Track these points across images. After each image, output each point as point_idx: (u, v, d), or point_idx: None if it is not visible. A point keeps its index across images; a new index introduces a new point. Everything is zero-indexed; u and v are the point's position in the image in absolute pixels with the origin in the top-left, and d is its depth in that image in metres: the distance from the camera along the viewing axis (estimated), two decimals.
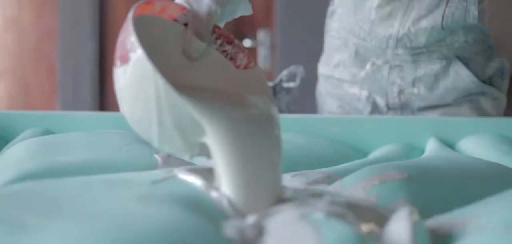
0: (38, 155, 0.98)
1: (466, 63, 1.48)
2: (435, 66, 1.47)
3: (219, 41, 0.90)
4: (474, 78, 1.47)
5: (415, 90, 1.49)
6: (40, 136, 1.17)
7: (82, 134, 1.16)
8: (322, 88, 1.64)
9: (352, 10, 1.51)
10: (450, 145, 1.28)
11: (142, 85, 0.72)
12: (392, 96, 1.51)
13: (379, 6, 1.45)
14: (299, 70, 1.54)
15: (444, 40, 1.46)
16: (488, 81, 1.51)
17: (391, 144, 1.27)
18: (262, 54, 3.12)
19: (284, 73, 1.50)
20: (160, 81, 0.71)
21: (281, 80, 1.48)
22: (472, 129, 1.30)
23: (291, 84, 1.53)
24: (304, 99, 1.84)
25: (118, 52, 0.76)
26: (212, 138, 0.73)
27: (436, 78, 1.48)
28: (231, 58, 0.89)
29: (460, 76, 1.47)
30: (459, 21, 1.42)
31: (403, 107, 1.51)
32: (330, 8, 1.64)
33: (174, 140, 0.75)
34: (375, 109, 1.54)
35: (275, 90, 1.46)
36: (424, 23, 1.42)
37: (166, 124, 0.73)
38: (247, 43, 3.10)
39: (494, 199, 0.80)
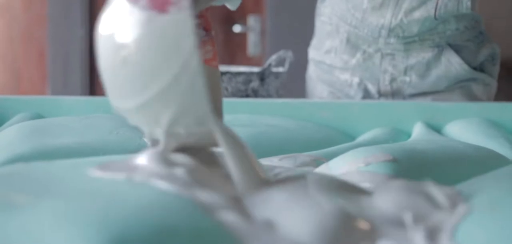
0: (29, 138, 0.99)
1: (457, 50, 1.49)
2: (427, 54, 1.48)
3: (197, 21, 0.84)
4: (465, 66, 1.48)
5: (407, 78, 1.50)
6: (31, 120, 1.17)
7: (72, 118, 1.17)
8: (313, 73, 1.65)
9: None
10: (437, 129, 1.29)
11: (167, 49, 0.63)
12: (384, 84, 1.52)
13: None
14: (288, 54, 1.55)
15: (436, 29, 1.47)
16: (479, 67, 1.53)
17: (378, 128, 1.28)
18: (252, 39, 3.13)
19: (273, 57, 1.51)
20: (195, 63, 0.62)
21: (270, 65, 1.49)
22: (459, 114, 1.31)
23: (280, 69, 1.54)
24: (293, 84, 1.85)
25: None
26: (217, 133, 0.67)
27: (428, 66, 1.49)
28: None
29: (452, 64, 1.48)
30: (452, 11, 1.43)
31: (394, 94, 1.52)
32: None
33: (159, 117, 0.68)
34: (366, 95, 1.55)
35: (264, 75, 1.47)
36: (417, 14, 1.43)
37: (168, 100, 0.65)
38: (237, 28, 3.10)
39: (479, 179, 0.82)
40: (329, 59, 1.58)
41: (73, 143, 0.96)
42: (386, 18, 1.46)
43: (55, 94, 3.09)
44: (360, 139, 1.24)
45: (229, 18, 3.11)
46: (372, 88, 1.53)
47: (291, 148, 1.10)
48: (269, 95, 1.49)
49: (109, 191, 0.59)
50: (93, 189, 0.60)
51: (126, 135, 1.03)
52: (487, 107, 1.33)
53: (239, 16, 3.12)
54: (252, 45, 3.14)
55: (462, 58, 1.49)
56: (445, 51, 1.48)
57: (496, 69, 1.55)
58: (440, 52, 1.48)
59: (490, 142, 1.16)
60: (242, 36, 3.14)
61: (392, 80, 1.51)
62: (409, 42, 1.47)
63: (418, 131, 1.25)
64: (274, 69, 1.52)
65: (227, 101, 1.30)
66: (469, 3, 1.42)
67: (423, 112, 1.31)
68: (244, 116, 1.25)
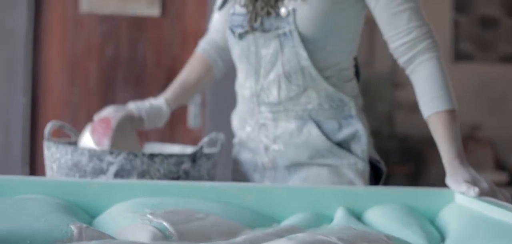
0: None
1: (319, 125, 1.60)
2: (291, 125, 1.61)
3: None
4: (323, 137, 1.59)
5: (276, 147, 1.62)
6: None
7: (3, 200, 1.19)
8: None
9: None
10: (358, 214, 1.36)
11: None
12: (261, 154, 1.64)
13: (239, 70, 1.66)
14: (220, 136, 1.61)
15: (298, 99, 1.59)
16: (346, 146, 1.60)
17: (302, 212, 1.33)
18: (193, 111, 3.19)
19: (205, 139, 1.56)
20: None
21: (202, 147, 1.54)
22: (378, 199, 1.38)
23: (213, 150, 1.59)
24: (226, 164, 1.89)
25: None
26: None
27: (291, 135, 1.60)
28: None
29: (311, 135, 1.59)
30: (295, 65, 1.56)
31: (274, 166, 1.61)
32: None
33: None
34: (257, 169, 1.66)
35: (196, 156, 1.52)
36: (272, 76, 1.59)
37: None
38: None
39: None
40: (236, 138, 1.74)
41: (1, 230, 0.99)
42: (252, 86, 1.62)
43: None
44: (284, 223, 1.30)
45: None
46: (259, 161, 1.65)
47: (217, 233, 1.16)
48: (201, 176, 1.53)
49: None
50: None
51: (53, 223, 1.07)
52: (404, 193, 1.40)
53: None
54: (193, 117, 3.19)
55: (323, 132, 1.59)
56: (307, 123, 1.59)
57: (360, 150, 1.61)
58: (303, 124, 1.59)
59: (405, 230, 1.24)
60: (183, 108, 3.19)
61: (266, 149, 1.63)
62: (276, 111, 1.61)
63: (339, 216, 1.31)
64: (206, 151, 1.57)
65: (156, 184, 1.35)
66: (305, 54, 1.54)
67: (344, 197, 1.38)
68: (171, 199, 1.30)
